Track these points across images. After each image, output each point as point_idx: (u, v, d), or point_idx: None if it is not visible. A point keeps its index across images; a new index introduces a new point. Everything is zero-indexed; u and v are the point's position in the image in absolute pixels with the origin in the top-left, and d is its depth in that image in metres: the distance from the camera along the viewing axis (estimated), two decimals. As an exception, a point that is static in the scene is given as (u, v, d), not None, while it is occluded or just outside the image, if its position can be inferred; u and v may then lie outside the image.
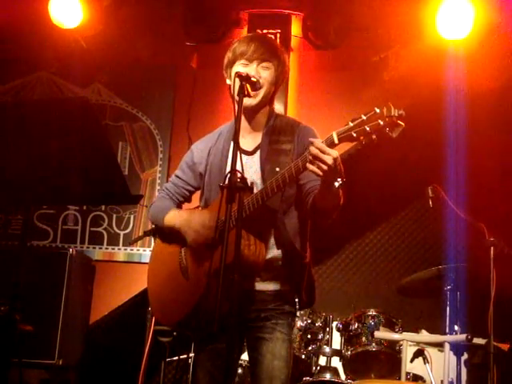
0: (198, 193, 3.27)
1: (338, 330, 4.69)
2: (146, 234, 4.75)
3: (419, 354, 4.31)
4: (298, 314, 4.43)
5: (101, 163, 2.63)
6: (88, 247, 5.65)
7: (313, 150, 2.62)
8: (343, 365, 4.65)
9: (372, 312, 4.66)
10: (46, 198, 2.93)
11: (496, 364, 3.92)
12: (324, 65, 5.60)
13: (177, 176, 3.29)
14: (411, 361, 4.33)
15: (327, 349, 4.63)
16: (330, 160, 2.61)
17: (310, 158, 2.64)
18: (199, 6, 5.54)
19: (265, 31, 5.33)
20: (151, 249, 4.60)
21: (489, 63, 5.17)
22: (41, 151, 2.60)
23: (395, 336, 4.53)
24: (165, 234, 3.23)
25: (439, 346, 4.36)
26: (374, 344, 4.54)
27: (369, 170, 5.57)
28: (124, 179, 2.79)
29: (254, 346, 3.02)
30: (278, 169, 2.91)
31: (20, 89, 5.89)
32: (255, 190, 2.88)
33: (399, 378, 4.32)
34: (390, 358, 4.57)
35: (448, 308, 4.42)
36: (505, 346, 4.16)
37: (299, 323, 4.56)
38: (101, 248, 5.66)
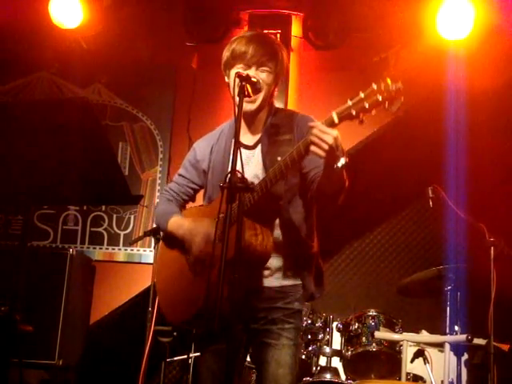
0: (202, 191, 3.27)
1: (339, 330, 4.69)
2: (146, 234, 4.77)
3: (419, 354, 4.32)
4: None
5: (101, 163, 2.63)
6: (88, 247, 5.65)
7: (313, 131, 2.64)
8: (343, 365, 4.65)
9: (372, 312, 4.66)
10: (46, 198, 2.93)
11: (496, 364, 3.92)
12: (324, 65, 5.60)
13: (180, 175, 3.27)
14: (411, 361, 4.33)
15: (327, 349, 4.63)
16: (330, 139, 2.62)
17: (311, 139, 2.64)
18: (199, 6, 5.54)
19: (265, 31, 5.32)
20: (154, 248, 4.63)
21: (489, 63, 5.17)
22: (41, 151, 2.60)
23: (395, 336, 4.53)
24: (171, 235, 3.21)
25: (439, 346, 4.36)
26: (374, 344, 4.55)
27: (369, 170, 5.57)
28: (124, 179, 2.79)
29: (259, 350, 3.01)
30: (279, 158, 2.90)
31: (20, 89, 5.89)
32: (256, 182, 2.89)
33: (399, 379, 4.33)
34: (390, 358, 4.57)
35: (448, 308, 4.42)
36: (505, 347, 4.16)
37: (299, 323, 4.56)
38: (101, 248, 5.66)
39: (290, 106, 5.40)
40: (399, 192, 5.93)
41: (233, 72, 3.00)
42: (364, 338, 4.58)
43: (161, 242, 3.32)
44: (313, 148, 2.65)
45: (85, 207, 5.66)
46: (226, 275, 2.52)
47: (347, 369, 4.65)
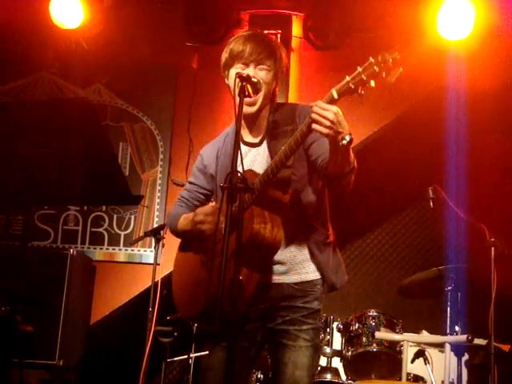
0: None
1: (339, 330, 4.69)
2: (147, 234, 4.78)
3: (420, 354, 4.32)
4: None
5: (101, 164, 2.63)
6: (89, 247, 5.66)
7: (313, 108, 2.64)
8: (344, 365, 4.65)
9: (373, 312, 4.66)
10: (46, 199, 2.93)
11: (497, 364, 3.93)
12: (324, 65, 5.59)
13: (190, 182, 3.30)
14: (412, 361, 4.33)
15: (328, 349, 4.63)
16: (331, 115, 2.62)
17: (312, 116, 2.65)
18: (200, 6, 5.55)
19: (265, 31, 5.32)
20: (154, 248, 4.62)
21: (489, 63, 5.17)
22: (41, 151, 2.60)
23: (396, 336, 4.53)
24: (185, 238, 3.23)
25: (440, 346, 4.36)
26: (374, 344, 4.54)
27: (369, 170, 5.56)
28: (125, 179, 2.79)
29: (276, 351, 2.99)
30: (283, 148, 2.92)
31: (21, 89, 5.89)
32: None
33: (400, 379, 4.32)
34: (390, 358, 4.57)
35: (449, 308, 4.42)
36: (505, 347, 4.16)
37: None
38: (101, 248, 5.66)
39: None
40: (399, 192, 5.93)
41: (232, 72, 3.00)
42: (364, 339, 4.57)
43: (180, 242, 3.32)
44: (314, 126, 2.65)
45: (85, 207, 5.66)
46: (228, 273, 2.51)
47: (347, 369, 4.65)
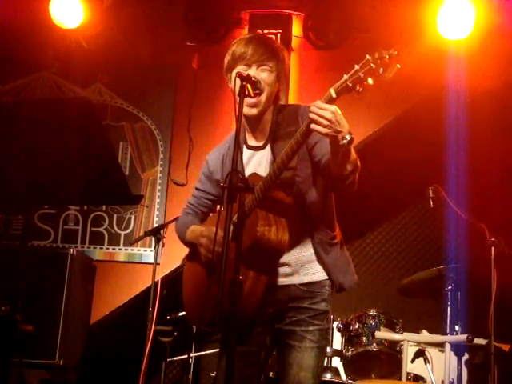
0: None
1: (339, 330, 4.69)
2: (147, 234, 4.78)
3: (420, 354, 4.32)
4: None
5: (101, 163, 2.62)
6: (89, 247, 5.66)
7: (311, 108, 2.65)
8: (344, 365, 4.65)
9: (373, 312, 4.66)
10: (46, 198, 2.93)
11: (497, 364, 3.93)
12: (325, 65, 5.59)
13: (197, 189, 3.29)
14: (412, 361, 4.33)
15: (328, 349, 4.63)
16: (328, 114, 2.62)
17: (310, 116, 2.65)
18: (200, 6, 5.55)
19: (265, 31, 5.33)
20: (154, 248, 4.62)
21: (489, 63, 5.17)
22: (41, 151, 2.60)
23: (396, 336, 4.53)
24: (190, 245, 3.24)
25: (440, 346, 4.36)
26: (374, 344, 4.54)
27: (369, 170, 5.56)
28: (125, 179, 2.78)
29: (282, 352, 2.99)
30: None
31: (21, 89, 5.89)
32: None
33: (400, 379, 4.33)
34: (390, 358, 4.57)
35: (449, 308, 4.42)
36: (505, 347, 4.16)
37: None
38: (101, 248, 5.66)
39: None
40: (400, 192, 5.93)
41: (234, 73, 3.01)
42: (364, 338, 4.57)
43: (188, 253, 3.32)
44: (313, 125, 2.66)
45: (85, 207, 5.66)
46: (229, 276, 2.51)
47: (348, 369, 4.65)
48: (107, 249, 5.65)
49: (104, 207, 5.67)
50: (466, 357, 4.57)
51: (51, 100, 3.50)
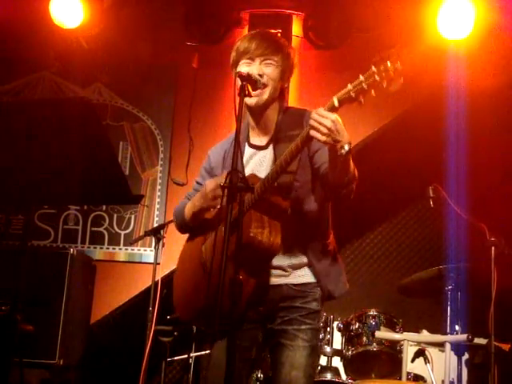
0: None
1: (339, 329, 4.69)
2: (147, 233, 4.78)
3: (420, 353, 4.32)
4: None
5: (101, 163, 2.62)
6: (89, 247, 5.66)
7: (312, 115, 2.67)
8: (344, 365, 4.65)
9: (373, 312, 4.66)
10: (46, 198, 2.93)
11: (497, 364, 3.93)
12: (325, 65, 5.60)
13: (197, 182, 3.30)
14: (412, 361, 4.33)
15: (328, 349, 4.63)
16: (328, 122, 2.64)
17: (310, 123, 2.66)
18: (200, 6, 5.55)
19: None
20: (154, 247, 4.62)
21: (489, 63, 5.18)
22: (42, 151, 2.60)
23: (396, 336, 4.53)
24: (192, 231, 3.21)
25: (440, 345, 4.36)
26: (374, 344, 4.54)
27: (370, 169, 5.56)
28: (125, 179, 2.78)
29: (274, 351, 3.00)
30: None
31: (21, 89, 5.89)
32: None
33: (400, 378, 4.33)
34: (390, 357, 4.57)
35: (449, 308, 4.42)
36: (506, 346, 4.16)
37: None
38: (101, 248, 5.66)
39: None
40: (400, 192, 5.93)
41: (238, 69, 3.00)
42: (365, 338, 4.58)
43: (186, 241, 3.32)
44: (312, 132, 2.67)
45: (85, 207, 5.66)
46: (227, 274, 2.51)
47: (348, 368, 4.65)
48: (107, 249, 5.65)
49: (104, 207, 5.67)
50: (466, 356, 4.57)
51: (51, 100, 3.50)
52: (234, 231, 2.60)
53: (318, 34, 5.50)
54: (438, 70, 5.24)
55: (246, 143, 3.10)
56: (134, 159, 5.75)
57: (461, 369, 4.39)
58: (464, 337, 4.11)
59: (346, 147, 2.67)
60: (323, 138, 2.65)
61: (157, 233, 4.63)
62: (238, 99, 2.78)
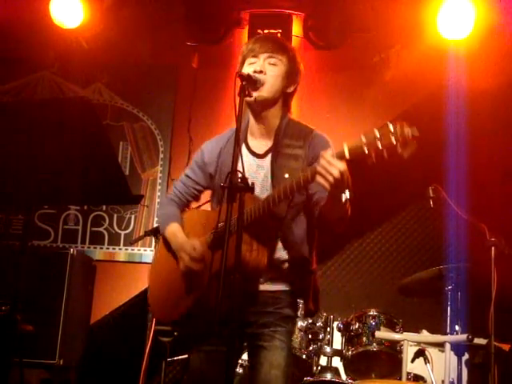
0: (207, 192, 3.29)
1: (339, 330, 4.69)
2: (147, 233, 4.78)
3: (420, 354, 4.31)
4: (298, 313, 4.45)
5: (101, 163, 2.63)
6: (89, 247, 5.66)
7: (321, 161, 2.64)
8: (344, 365, 4.65)
9: (373, 312, 4.66)
10: (46, 198, 2.93)
11: (497, 364, 3.92)
12: (325, 65, 5.59)
13: (187, 176, 3.26)
14: (412, 361, 4.33)
15: (328, 349, 4.63)
16: (336, 173, 2.62)
17: (318, 169, 2.65)
18: (200, 6, 5.54)
19: (266, 31, 5.34)
20: (154, 247, 4.63)
21: (489, 63, 5.17)
22: (42, 151, 2.60)
23: (396, 336, 4.52)
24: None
25: (440, 346, 4.36)
26: (374, 344, 4.54)
27: (369, 169, 5.56)
28: (125, 179, 2.79)
29: (252, 353, 3.02)
30: (287, 175, 2.91)
31: (21, 89, 5.89)
32: (265, 195, 2.89)
33: (400, 378, 4.32)
34: (390, 358, 4.57)
35: (449, 308, 4.42)
36: (506, 346, 4.16)
37: (300, 323, 4.56)
38: (101, 248, 5.66)
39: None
40: (400, 192, 5.92)
41: (244, 69, 3.00)
42: (365, 338, 4.57)
43: (161, 239, 3.32)
44: (318, 178, 2.66)
45: (85, 207, 5.66)
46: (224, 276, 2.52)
47: (348, 368, 4.65)
48: (107, 249, 5.66)
49: (104, 207, 5.67)
50: (466, 357, 4.56)
51: (51, 100, 3.50)
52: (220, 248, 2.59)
53: (318, 34, 5.50)
54: (438, 70, 5.24)
55: (244, 145, 3.08)
56: (134, 159, 5.75)
57: (461, 369, 4.39)
58: (464, 337, 4.11)
59: (347, 194, 2.71)
60: (328, 187, 2.66)
61: (157, 233, 4.61)
62: (238, 99, 2.78)
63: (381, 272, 6.00)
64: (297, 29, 5.57)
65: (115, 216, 5.68)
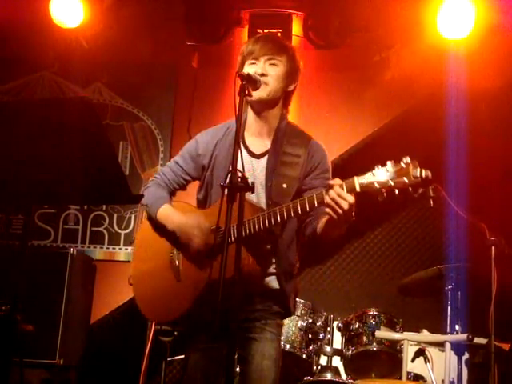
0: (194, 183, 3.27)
1: (339, 329, 4.69)
2: (147, 233, 4.77)
3: (420, 353, 4.32)
4: (298, 313, 4.46)
5: (102, 163, 2.62)
6: (89, 247, 5.66)
7: (331, 193, 2.66)
8: (344, 364, 4.65)
9: (373, 312, 4.66)
10: (46, 198, 2.93)
11: (497, 364, 3.93)
12: (325, 64, 5.59)
13: (177, 163, 3.22)
14: (412, 360, 4.33)
15: (328, 348, 4.63)
16: (346, 205, 2.65)
17: (328, 201, 2.66)
18: (200, 5, 5.54)
19: (266, 31, 5.33)
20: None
21: (489, 63, 5.17)
22: (42, 151, 2.60)
23: (396, 336, 4.53)
24: (157, 223, 3.16)
25: (440, 345, 4.36)
26: (374, 344, 4.54)
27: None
28: (125, 179, 2.78)
29: (243, 345, 3.01)
30: (285, 185, 2.93)
31: (21, 88, 5.89)
32: (256, 197, 2.90)
33: (400, 378, 4.33)
34: (390, 357, 4.57)
35: (449, 308, 4.42)
36: (506, 346, 4.16)
37: (300, 323, 4.56)
38: (101, 247, 5.66)
39: (291, 106, 5.39)
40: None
41: (244, 70, 3.00)
42: (365, 338, 4.57)
43: (144, 223, 3.25)
44: (328, 210, 2.68)
45: (85, 207, 5.66)
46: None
47: (348, 368, 4.65)
48: (107, 248, 5.65)
49: (104, 207, 5.67)
50: (466, 356, 4.57)
51: (51, 100, 3.50)
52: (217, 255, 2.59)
53: (318, 34, 5.50)
54: (438, 70, 5.24)
55: (241, 141, 3.08)
56: (134, 159, 5.75)
57: (461, 369, 4.39)
58: (464, 337, 4.11)
59: (348, 222, 2.72)
60: (336, 218, 2.68)
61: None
62: (238, 99, 2.78)
63: (381, 272, 6.00)
64: (297, 28, 5.57)
65: (115, 216, 5.68)
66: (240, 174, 2.61)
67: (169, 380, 5.80)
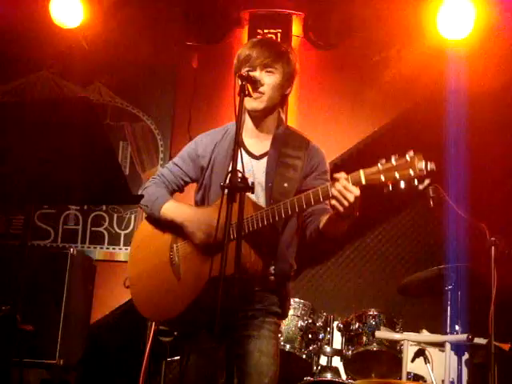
0: (191, 184, 3.27)
1: (339, 329, 4.69)
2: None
3: (420, 353, 4.32)
4: (298, 313, 4.46)
5: (102, 163, 2.62)
6: (89, 247, 5.65)
7: (337, 185, 2.67)
8: (344, 364, 4.65)
9: (373, 312, 4.66)
10: (46, 198, 2.93)
11: (497, 364, 3.92)
12: (325, 64, 5.60)
13: (176, 164, 3.22)
14: (412, 361, 4.33)
15: (328, 348, 4.63)
16: (351, 198, 2.65)
17: (334, 194, 2.67)
18: (200, 5, 5.55)
19: (265, 31, 5.34)
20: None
21: (489, 63, 5.17)
22: (42, 151, 2.60)
23: (396, 336, 4.53)
24: (157, 222, 3.16)
25: (440, 345, 4.36)
26: (374, 344, 4.54)
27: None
28: (125, 179, 2.78)
29: (241, 343, 2.99)
30: (286, 184, 2.95)
31: (21, 88, 5.89)
32: (255, 198, 2.91)
33: (400, 378, 4.33)
34: (390, 357, 4.57)
35: (449, 308, 4.42)
36: (506, 346, 4.16)
37: (300, 323, 4.56)
38: (102, 248, 5.66)
39: (290, 106, 5.40)
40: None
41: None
42: (365, 338, 4.57)
43: (141, 224, 3.26)
44: (334, 202, 2.69)
45: (85, 207, 5.66)
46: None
47: (348, 368, 4.65)
48: (107, 248, 5.65)
49: (104, 207, 5.67)
50: (466, 356, 4.57)
51: (51, 100, 3.50)
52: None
53: (318, 34, 5.50)
54: (438, 70, 5.24)
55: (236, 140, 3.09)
56: (134, 159, 5.75)
57: (461, 369, 4.39)
58: (464, 337, 4.11)
59: (354, 216, 2.73)
60: (342, 210, 2.69)
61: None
62: (238, 99, 2.79)
63: (381, 272, 6.00)
64: (297, 29, 5.57)
65: (115, 216, 5.68)
66: (240, 175, 2.61)
67: (169, 380, 5.79)
